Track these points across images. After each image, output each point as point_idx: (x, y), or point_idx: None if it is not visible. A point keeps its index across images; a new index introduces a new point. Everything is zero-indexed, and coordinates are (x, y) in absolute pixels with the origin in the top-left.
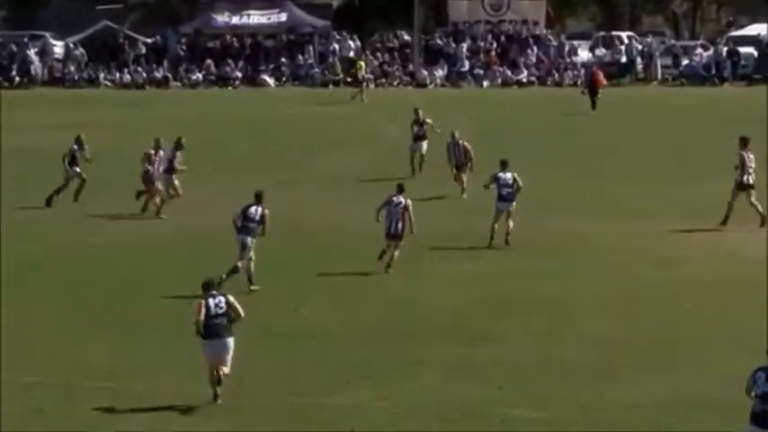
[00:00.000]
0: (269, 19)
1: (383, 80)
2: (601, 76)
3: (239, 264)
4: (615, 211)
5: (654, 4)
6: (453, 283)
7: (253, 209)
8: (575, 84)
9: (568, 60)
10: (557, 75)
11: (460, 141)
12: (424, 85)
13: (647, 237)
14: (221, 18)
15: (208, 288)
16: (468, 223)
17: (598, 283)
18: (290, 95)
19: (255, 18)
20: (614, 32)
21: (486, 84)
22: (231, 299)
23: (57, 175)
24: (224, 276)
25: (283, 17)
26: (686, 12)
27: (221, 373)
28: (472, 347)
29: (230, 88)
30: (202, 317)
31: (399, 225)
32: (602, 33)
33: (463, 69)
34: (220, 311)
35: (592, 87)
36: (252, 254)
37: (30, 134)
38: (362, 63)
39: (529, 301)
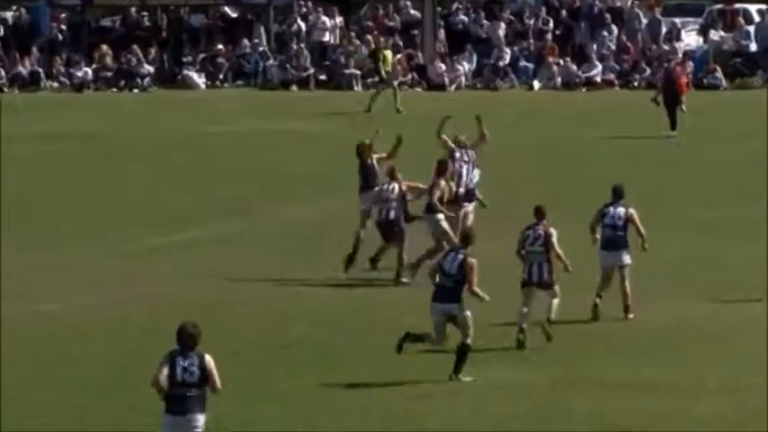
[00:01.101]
0: None
1: (376, 78)
2: (683, 75)
3: None
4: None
5: None
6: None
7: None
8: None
9: (667, 48)
10: (649, 70)
11: None
12: (441, 87)
13: None
14: None
15: (182, 340)
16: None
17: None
18: (230, 102)
19: None
20: (738, 5)
21: (537, 84)
22: (209, 361)
23: None
24: None
25: None
26: None
27: None
28: None
29: (136, 90)
30: (164, 383)
31: (544, 268)
32: (718, 6)
33: (502, 62)
34: (190, 379)
35: (669, 93)
36: None
37: None
38: (387, 53)
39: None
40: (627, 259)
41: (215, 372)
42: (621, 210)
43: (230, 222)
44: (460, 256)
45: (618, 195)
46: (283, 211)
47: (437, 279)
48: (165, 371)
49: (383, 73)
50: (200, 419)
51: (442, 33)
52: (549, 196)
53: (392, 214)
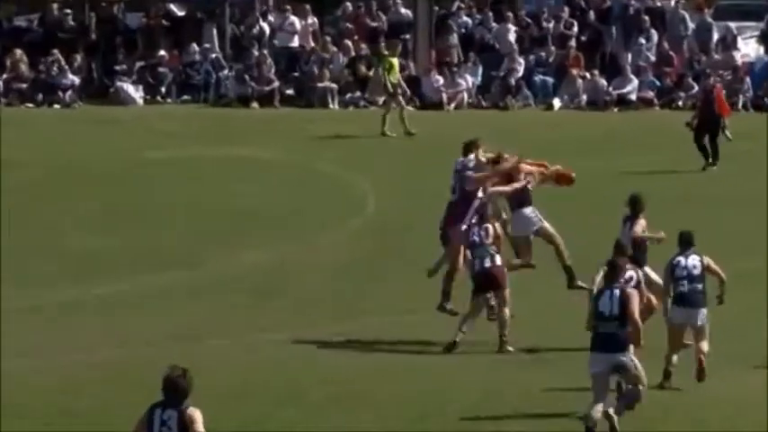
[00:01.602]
0: None
1: (355, 94)
2: (723, 96)
3: None
4: None
5: None
6: None
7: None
8: (733, 103)
9: (719, 58)
10: (697, 87)
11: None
12: (439, 105)
13: None
14: None
15: (168, 391)
16: None
17: None
18: (174, 121)
19: None
20: None
21: (557, 103)
22: (190, 416)
23: None
24: None
25: None
26: None
27: None
28: None
29: (58, 106)
30: None
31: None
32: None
33: (514, 76)
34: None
35: (707, 117)
36: None
37: None
38: (395, 60)
39: None
40: (704, 315)
41: (198, 428)
42: (695, 259)
43: (169, 273)
44: (617, 292)
45: (686, 243)
46: (236, 256)
47: (593, 324)
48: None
49: (389, 86)
50: None
51: (454, 37)
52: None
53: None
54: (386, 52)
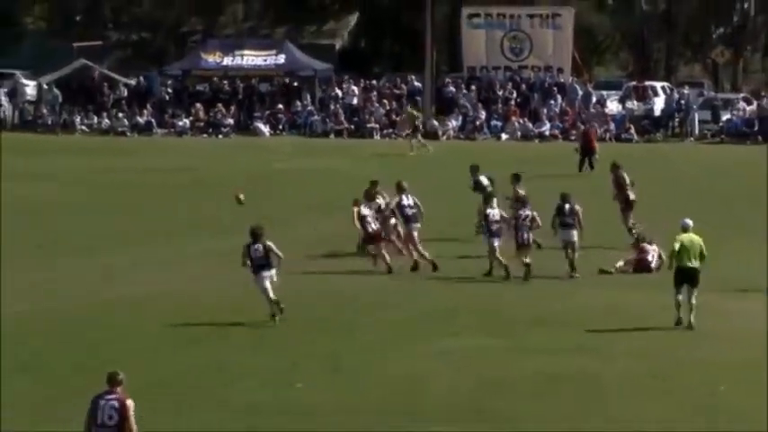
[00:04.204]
0: (265, 61)
1: (390, 130)
2: (593, 135)
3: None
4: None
5: (691, 52)
6: (465, 359)
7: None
8: (603, 138)
9: (595, 112)
10: (582, 128)
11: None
12: (436, 137)
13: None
14: (212, 59)
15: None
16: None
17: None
18: (287, 146)
19: (250, 60)
20: (647, 82)
21: (504, 136)
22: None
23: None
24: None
25: (281, 59)
26: (727, 61)
27: None
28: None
29: (221, 136)
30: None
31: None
32: (633, 83)
33: (478, 121)
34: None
35: (585, 147)
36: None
37: None
38: (418, 113)
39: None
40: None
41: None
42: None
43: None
44: None
45: (564, 199)
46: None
47: None
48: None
49: (416, 125)
50: None
51: (435, 99)
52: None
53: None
54: (414, 111)
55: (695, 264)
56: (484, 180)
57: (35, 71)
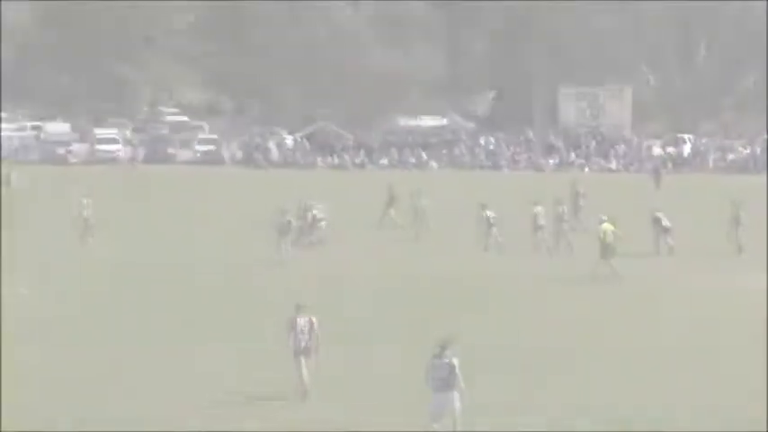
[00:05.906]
0: (435, 122)
1: (514, 165)
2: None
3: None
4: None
5: (708, 114)
6: None
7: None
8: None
9: (645, 153)
10: (637, 164)
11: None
12: (541, 170)
13: None
14: (403, 121)
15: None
16: None
17: None
18: (447, 177)
19: (426, 121)
20: (679, 134)
21: (586, 170)
22: None
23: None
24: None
25: (445, 121)
26: (734, 117)
27: None
28: None
29: (405, 170)
30: None
31: None
32: (669, 134)
33: (570, 160)
34: None
35: (656, 178)
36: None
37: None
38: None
39: None
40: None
41: None
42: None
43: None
44: None
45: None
46: None
47: None
48: None
49: None
50: None
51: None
52: None
53: None
54: None
55: None
56: None
57: (292, 129)
